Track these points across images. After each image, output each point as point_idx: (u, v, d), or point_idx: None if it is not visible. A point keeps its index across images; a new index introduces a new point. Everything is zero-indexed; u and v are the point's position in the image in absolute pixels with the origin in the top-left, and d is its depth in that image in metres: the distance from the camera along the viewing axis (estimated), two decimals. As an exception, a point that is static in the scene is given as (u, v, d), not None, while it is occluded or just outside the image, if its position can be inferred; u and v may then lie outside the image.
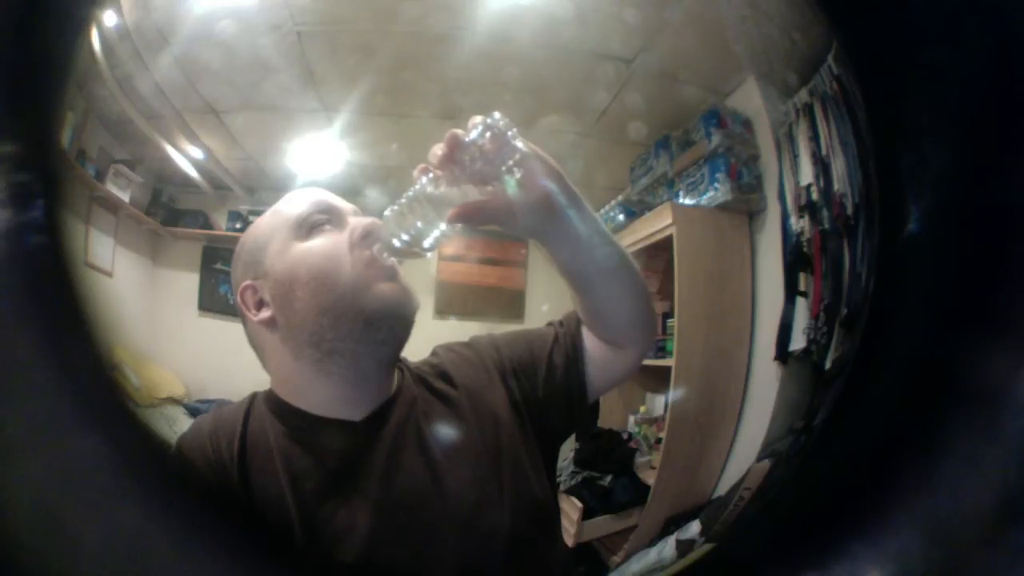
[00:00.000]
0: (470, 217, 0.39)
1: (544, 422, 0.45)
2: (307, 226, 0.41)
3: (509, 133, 0.37)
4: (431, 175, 0.38)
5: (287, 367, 0.41)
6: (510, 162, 0.38)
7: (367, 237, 0.40)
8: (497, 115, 0.37)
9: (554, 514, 0.47)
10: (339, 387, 0.41)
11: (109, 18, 0.41)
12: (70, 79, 0.38)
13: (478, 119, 0.37)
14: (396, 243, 0.39)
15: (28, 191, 0.32)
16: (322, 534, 0.39)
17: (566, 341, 0.46)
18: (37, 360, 0.30)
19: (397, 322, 0.41)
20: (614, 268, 0.44)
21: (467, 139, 0.37)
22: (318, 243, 0.40)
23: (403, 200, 0.39)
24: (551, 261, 0.43)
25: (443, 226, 0.39)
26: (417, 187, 0.38)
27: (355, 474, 0.40)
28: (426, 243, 0.39)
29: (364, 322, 0.40)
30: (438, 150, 0.37)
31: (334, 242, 0.40)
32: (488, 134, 0.37)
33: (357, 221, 0.41)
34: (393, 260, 0.40)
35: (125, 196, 0.44)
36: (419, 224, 0.39)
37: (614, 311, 0.45)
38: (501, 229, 0.41)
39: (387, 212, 0.39)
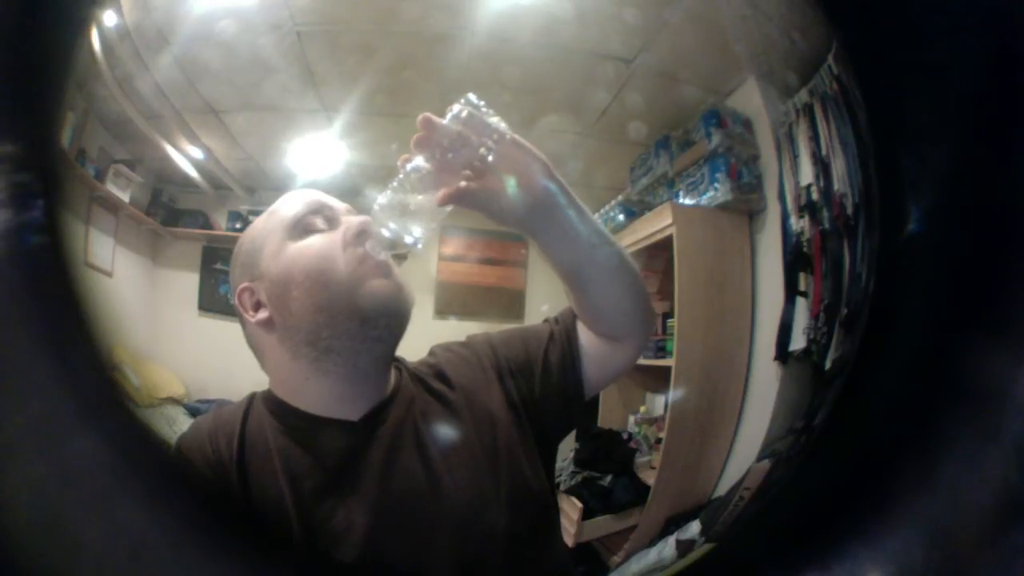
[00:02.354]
0: (455, 200, 0.38)
1: (541, 420, 0.45)
2: (301, 227, 0.41)
3: (483, 110, 0.38)
4: (413, 163, 0.38)
5: (285, 367, 0.41)
6: (489, 142, 0.38)
7: (360, 235, 0.40)
8: (472, 96, 0.38)
9: (553, 513, 0.47)
10: (337, 385, 0.41)
11: (109, 18, 0.41)
12: (70, 79, 0.38)
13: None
14: (386, 233, 0.39)
15: (28, 191, 0.32)
16: (320, 533, 0.39)
17: (561, 338, 0.46)
18: (37, 360, 0.30)
19: (392, 319, 0.41)
20: (606, 260, 0.43)
21: (443, 121, 0.37)
22: (312, 242, 0.41)
23: (388, 191, 0.39)
24: (542, 255, 0.43)
25: (431, 212, 0.39)
26: (401, 176, 0.38)
27: (353, 473, 0.40)
28: (416, 232, 0.39)
29: (360, 319, 0.40)
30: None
31: (328, 241, 0.41)
32: (464, 114, 0.37)
33: (350, 220, 0.41)
34: (387, 256, 0.40)
35: (125, 196, 0.44)
36: (408, 212, 0.39)
37: (608, 304, 0.45)
38: (487, 216, 0.41)
39: (376, 206, 0.39)
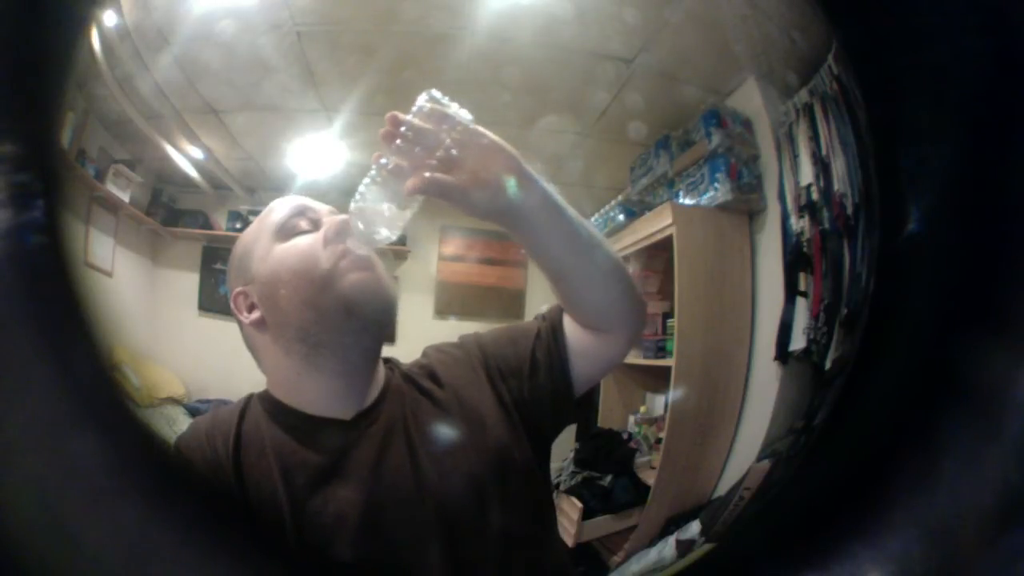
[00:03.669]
0: (421, 190, 0.39)
1: (533, 419, 0.45)
2: (286, 229, 0.42)
3: (445, 103, 0.39)
4: (383, 159, 0.39)
5: (280, 365, 0.42)
6: (453, 134, 0.38)
7: (340, 232, 0.41)
8: (435, 91, 0.39)
9: (548, 512, 0.47)
10: (330, 381, 0.42)
11: (109, 18, 0.41)
12: (70, 79, 0.38)
13: None
14: (361, 226, 0.40)
15: (28, 191, 0.32)
16: (313, 531, 0.39)
17: (548, 335, 0.46)
18: (37, 360, 0.30)
19: (376, 312, 0.42)
20: (583, 250, 0.43)
21: (407, 116, 0.38)
22: (296, 242, 0.42)
23: (362, 187, 0.39)
24: (520, 247, 0.43)
25: (403, 205, 0.39)
26: (372, 172, 0.39)
27: (345, 471, 0.41)
28: (389, 226, 0.40)
29: (345, 312, 0.41)
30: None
31: (311, 240, 0.42)
32: (427, 107, 0.38)
33: (331, 219, 0.42)
34: (368, 251, 0.41)
35: (125, 196, 0.44)
36: (382, 207, 0.39)
37: (589, 295, 0.44)
38: (457, 208, 0.40)
39: (352, 204, 0.40)
